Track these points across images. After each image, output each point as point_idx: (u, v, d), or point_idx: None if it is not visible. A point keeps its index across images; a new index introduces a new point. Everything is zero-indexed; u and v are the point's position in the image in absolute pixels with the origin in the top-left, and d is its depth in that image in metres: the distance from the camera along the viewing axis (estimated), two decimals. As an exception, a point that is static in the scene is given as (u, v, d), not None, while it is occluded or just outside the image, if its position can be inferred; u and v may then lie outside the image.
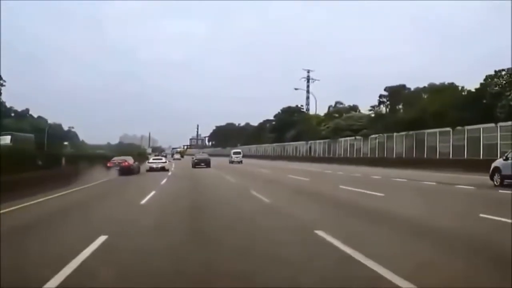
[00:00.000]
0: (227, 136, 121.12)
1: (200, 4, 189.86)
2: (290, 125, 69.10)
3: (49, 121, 68.75)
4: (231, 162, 50.07)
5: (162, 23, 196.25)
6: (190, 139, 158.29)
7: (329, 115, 60.44)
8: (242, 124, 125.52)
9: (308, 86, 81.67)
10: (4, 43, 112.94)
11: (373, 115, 49.44)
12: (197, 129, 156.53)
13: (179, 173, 28.61)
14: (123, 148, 69.92)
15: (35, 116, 72.22)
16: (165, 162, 34.19)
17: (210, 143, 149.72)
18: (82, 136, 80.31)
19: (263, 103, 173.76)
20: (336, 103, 63.66)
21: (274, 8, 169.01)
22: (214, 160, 48.01)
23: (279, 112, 76.74)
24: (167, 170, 30.79)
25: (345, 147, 49.41)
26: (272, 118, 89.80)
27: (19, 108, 71.09)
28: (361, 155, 45.17)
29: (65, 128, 65.21)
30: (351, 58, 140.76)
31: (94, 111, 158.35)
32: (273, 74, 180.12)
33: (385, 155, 40.88)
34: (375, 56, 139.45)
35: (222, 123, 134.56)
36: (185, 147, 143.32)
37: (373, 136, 43.61)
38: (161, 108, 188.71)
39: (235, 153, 54.74)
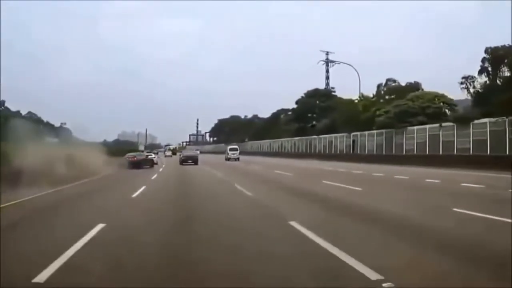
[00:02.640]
0: (231, 131, 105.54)
1: (200, 4, 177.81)
2: (318, 113, 53.23)
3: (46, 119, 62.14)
4: (227, 159, 47.99)
5: (161, 22, 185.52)
6: (190, 135, 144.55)
7: (380, 96, 44.22)
8: (249, 116, 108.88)
9: (327, 71, 69.26)
10: (4, 43, 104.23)
11: (467, 91, 33.25)
12: (197, 124, 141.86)
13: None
14: (119, 145, 71.31)
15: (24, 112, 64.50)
16: (154, 157, 40.03)
17: (212, 139, 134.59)
18: (81, 134, 71.96)
19: (267, 99, 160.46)
20: (388, 80, 47.02)
21: (274, 7, 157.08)
22: (211, 158, 48.28)
23: (302, 97, 59.99)
24: (156, 163, 36.14)
25: (420, 140, 33.48)
26: (287, 108, 74.33)
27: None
28: (455, 152, 29.40)
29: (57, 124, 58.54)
30: (351, 54, 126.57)
31: (94, 109, 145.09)
32: (275, 70, 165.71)
33: (507, 152, 25.25)
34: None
35: (226, 116, 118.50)
36: (184, 144, 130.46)
37: (479, 121, 27.84)
38: (161, 105, 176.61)
39: (231, 149, 52.03)
